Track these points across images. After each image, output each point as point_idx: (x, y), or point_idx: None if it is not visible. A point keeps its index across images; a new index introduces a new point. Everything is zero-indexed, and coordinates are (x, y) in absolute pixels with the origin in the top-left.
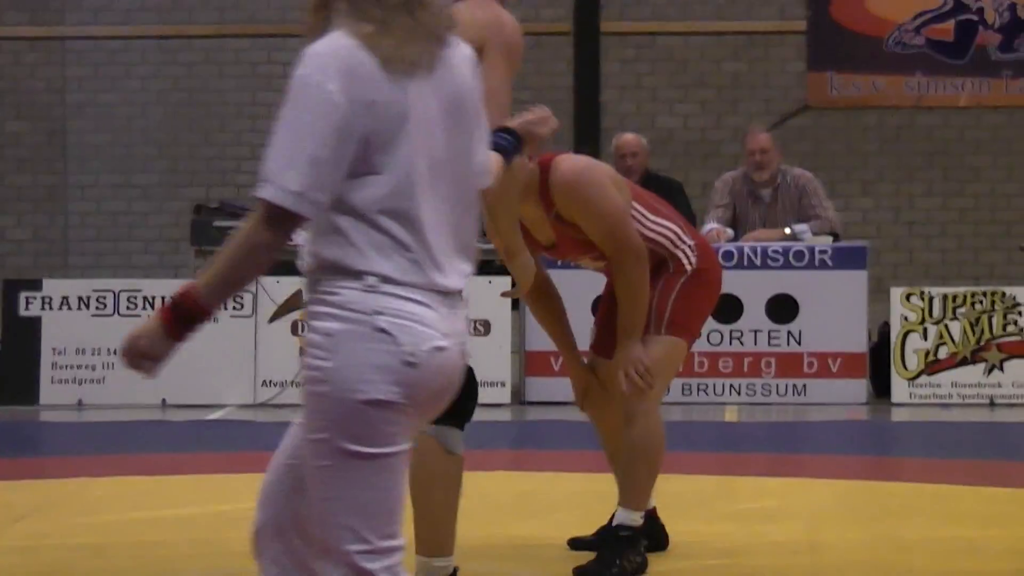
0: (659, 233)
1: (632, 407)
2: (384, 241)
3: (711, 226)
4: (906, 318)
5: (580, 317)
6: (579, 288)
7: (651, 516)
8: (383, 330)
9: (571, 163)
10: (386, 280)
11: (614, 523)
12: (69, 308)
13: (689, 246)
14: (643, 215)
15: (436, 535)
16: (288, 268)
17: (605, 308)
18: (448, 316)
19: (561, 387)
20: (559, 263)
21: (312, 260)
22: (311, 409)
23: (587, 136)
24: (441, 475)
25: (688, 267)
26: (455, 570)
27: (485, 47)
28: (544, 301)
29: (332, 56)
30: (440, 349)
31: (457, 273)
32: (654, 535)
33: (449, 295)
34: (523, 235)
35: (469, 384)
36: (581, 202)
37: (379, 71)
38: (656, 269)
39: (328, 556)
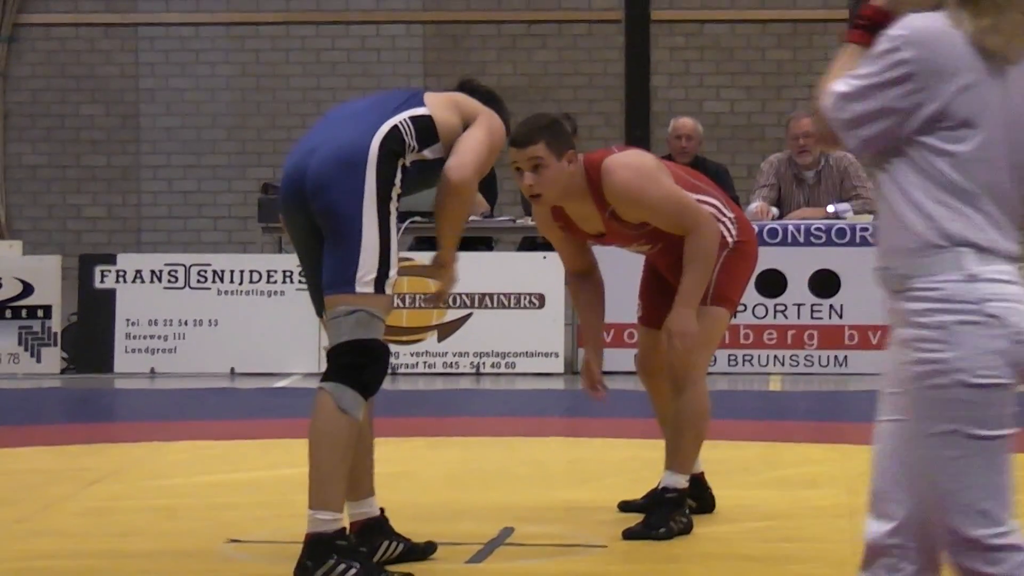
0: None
1: (681, 376)
2: (978, 218)
3: (757, 203)
4: None
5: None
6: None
7: (698, 481)
8: (993, 315)
9: (623, 172)
10: (985, 254)
11: (661, 486)
12: (142, 281)
13: (730, 219)
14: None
15: (320, 489)
16: None
17: (648, 282)
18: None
19: (612, 358)
20: None
21: (901, 250)
22: (931, 403)
23: (638, 120)
24: (328, 432)
25: (730, 240)
26: (343, 529)
27: None
28: (587, 287)
29: (921, 29)
30: None
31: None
32: (702, 499)
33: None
34: (569, 226)
35: (375, 354)
36: (645, 205)
37: (972, 53)
38: None
39: (960, 545)
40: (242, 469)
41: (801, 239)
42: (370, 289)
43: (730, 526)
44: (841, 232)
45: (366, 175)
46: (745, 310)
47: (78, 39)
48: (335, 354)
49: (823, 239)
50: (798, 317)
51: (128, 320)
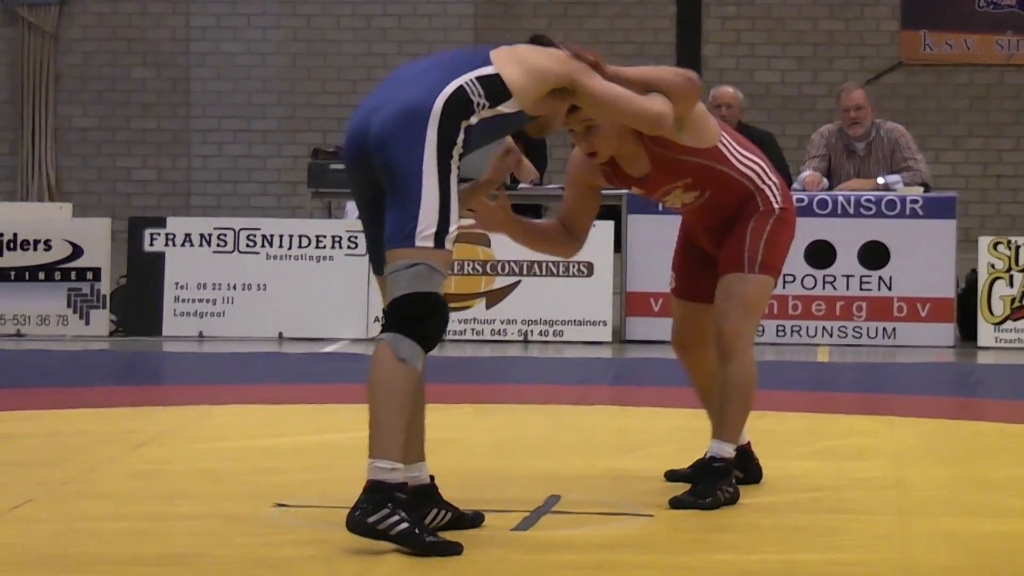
0: (747, 167)
1: (728, 345)
2: None
3: (807, 172)
4: (993, 266)
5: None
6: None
7: (746, 451)
8: None
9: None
10: None
11: (708, 455)
12: (191, 245)
13: (775, 183)
14: (733, 147)
15: (380, 438)
16: None
17: (682, 253)
18: None
19: (660, 327)
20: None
21: None
22: None
23: None
24: (387, 381)
25: (775, 205)
26: (405, 483)
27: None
28: (558, 234)
29: None
30: None
31: None
32: (748, 470)
33: None
34: (617, 172)
35: (434, 307)
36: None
37: None
38: (744, 204)
39: None
40: (289, 433)
41: (851, 210)
42: (430, 244)
43: (776, 496)
44: (891, 204)
45: (427, 133)
46: (794, 281)
47: (129, 1)
48: (394, 306)
49: (873, 211)
50: (847, 288)
51: (177, 283)
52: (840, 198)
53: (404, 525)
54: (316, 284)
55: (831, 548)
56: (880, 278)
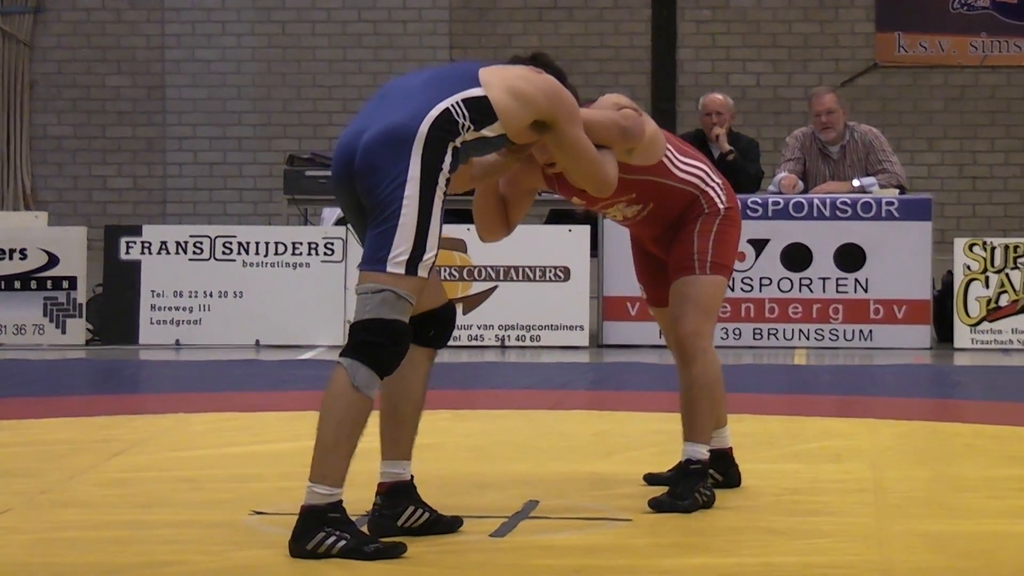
0: (689, 173)
1: (689, 348)
2: None
3: (783, 175)
4: (969, 267)
5: None
6: None
7: (726, 455)
8: None
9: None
10: None
11: (684, 458)
12: (167, 253)
13: (717, 184)
14: (674, 157)
15: (322, 462)
16: None
17: (640, 264)
18: None
19: (637, 331)
20: None
21: None
22: None
23: (664, 93)
24: (338, 407)
25: (720, 205)
26: (338, 503)
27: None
28: (497, 214)
29: None
30: None
31: None
32: (729, 474)
33: None
34: (563, 183)
35: (395, 335)
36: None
37: None
38: (688, 208)
39: None
40: (267, 441)
41: (827, 213)
42: (401, 270)
43: (755, 499)
44: (867, 206)
45: (411, 158)
46: (771, 283)
47: (104, 10)
48: (356, 329)
49: (849, 213)
50: (823, 291)
51: (153, 291)
52: (816, 201)
53: (342, 543)
54: (293, 292)
55: (809, 551)
56: (856, 280)
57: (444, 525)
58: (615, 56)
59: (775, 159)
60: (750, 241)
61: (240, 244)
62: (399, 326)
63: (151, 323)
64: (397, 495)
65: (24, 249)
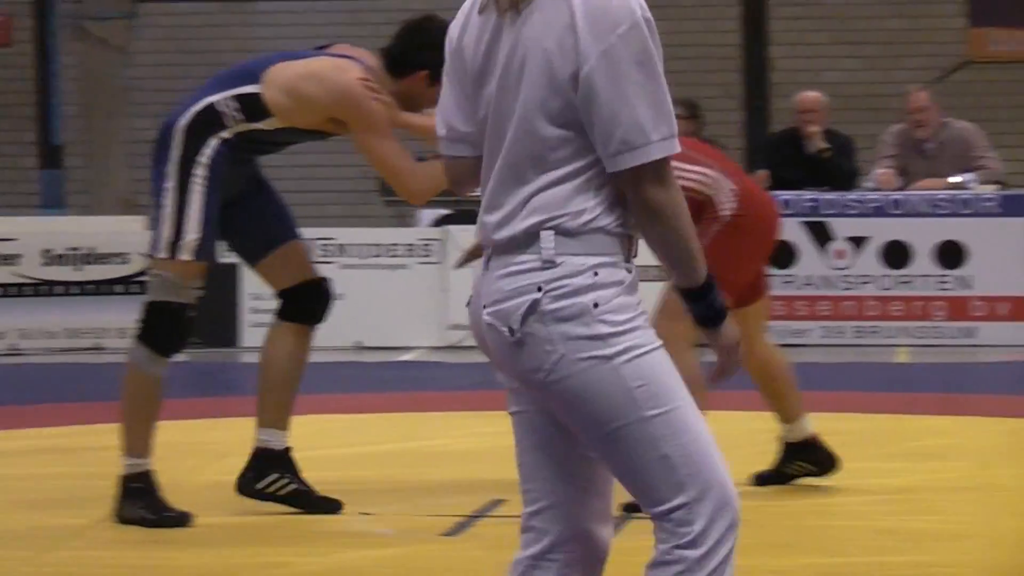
0: (691, 180)
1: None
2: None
3: (881, 171)
4: None
5: None
6: None
7: (812, 442)
8: None
9: None
10: None
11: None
12: None
13: (731, 189)
14: (677, 166)
15: (121, 436)
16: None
17: None
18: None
19: None
20: None
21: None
22: None
23: (757, 91)
24: (126, 386)
25: (722, 213)
26: (143, 474)
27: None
28: None
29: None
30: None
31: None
32: (819, 460)
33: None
34: None
35: (165, 316)
36: None
37: None
38: (696, 213)
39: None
40: (369, 443)
41: (926, 209)
42: (167, 254)
43: (863, 497)
44: (966, 202)
45: (171, 150)
46: (869, 282)
47: (196, 14)
48: (140, 314)
49: (948, 210)
50: (924, 289)
51: (252, 295)
52: (914, 198)
53: (141, 512)
54: (394, 294)
55: (918, 551)
56: (958, 277)
57: (312, 503)
58: (707, 54)
59: (870, 156)
60: (849, 239)
61: (340, 246)
62: (170, 307)
63: (252, 326)
64: (264, 460)
65: (126, 254)
